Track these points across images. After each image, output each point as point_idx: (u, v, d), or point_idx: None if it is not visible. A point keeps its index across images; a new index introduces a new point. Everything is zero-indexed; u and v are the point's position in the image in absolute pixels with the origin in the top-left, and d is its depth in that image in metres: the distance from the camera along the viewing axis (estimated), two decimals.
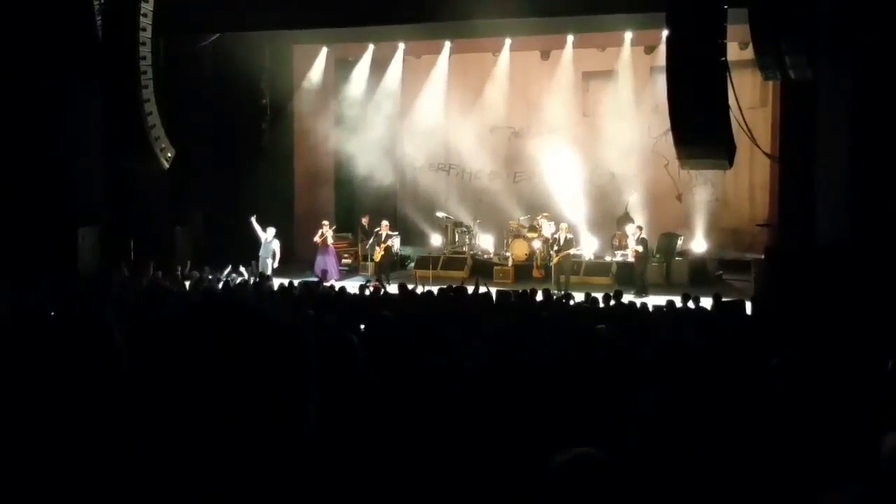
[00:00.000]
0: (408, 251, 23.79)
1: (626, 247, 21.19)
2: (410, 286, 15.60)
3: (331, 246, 21.01)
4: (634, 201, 22.92)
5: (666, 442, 2.49)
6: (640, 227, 20.09)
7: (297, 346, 1.81)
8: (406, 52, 24.81)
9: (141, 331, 5.18)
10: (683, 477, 2.47)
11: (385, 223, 21.53)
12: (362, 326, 9.30)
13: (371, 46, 24.26)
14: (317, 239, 21.00)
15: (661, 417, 2.53)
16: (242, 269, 19.46)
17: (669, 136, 15.67)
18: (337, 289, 15.55)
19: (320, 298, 13.73)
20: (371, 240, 21.47)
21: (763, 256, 16.53)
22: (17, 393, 2.87)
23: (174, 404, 1.73)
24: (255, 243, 20.27)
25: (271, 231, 20.18)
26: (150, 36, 17.49)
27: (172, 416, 1.73)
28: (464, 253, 22.71)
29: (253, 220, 20.15)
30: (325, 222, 21.26)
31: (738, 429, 4.36)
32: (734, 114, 15.05)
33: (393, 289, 16.45)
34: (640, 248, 19.57)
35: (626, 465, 2.53)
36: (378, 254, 21.15)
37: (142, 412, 1.83)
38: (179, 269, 19.04)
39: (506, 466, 4.30)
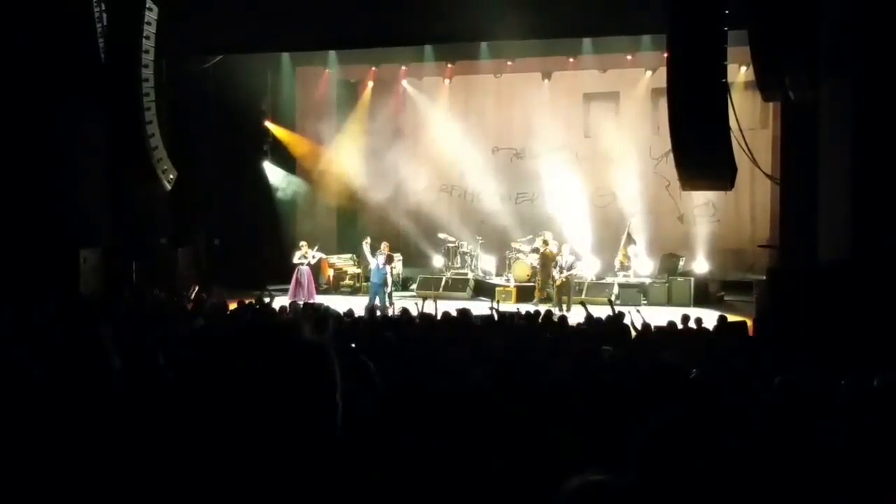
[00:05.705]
0: (410, 272, 23.71)
1: (628, 267, 21.28)
2: (412, 308, 15.53)
3: (309, 267, 20.62)
4: (636, 222, 22.94)
5: (668, 468, 2.47)
6: (545, 242, 20.49)
7: (325, 363, 1.91)
8: (408, 74, 24.91)
9: (142, 351, 5.19)
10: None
11: (385, 244, 21.41)
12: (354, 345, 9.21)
13: (373, 69, 24.37)
14: (307, 260, 20.59)
15: (662, 443, 2.51)
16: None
17: (670, 158, 15.70)
18: (341, 310, 15.46)
19: (324, 319, 13.66)
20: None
21: (765, 277, 16.50)
22: (17, 410, 2.87)
23: (213, 415, 1.81)
24: (259, 265, 20.12)
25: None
26: (152, 57, 17.50)
27: (209, 426, 1.80)
28: (466, 274, 22.68)
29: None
30: (303, 243, 20.92)
31: (741, 450, 4.34)
32: (735, 135, 15.06)
33: (396, 310, 16.37)
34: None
35: (638, 491, 2.50)
36: None
37: (156, 425, 1.88)
38: (193, 290, 18.81)
39: (509, 490, 4.27)
